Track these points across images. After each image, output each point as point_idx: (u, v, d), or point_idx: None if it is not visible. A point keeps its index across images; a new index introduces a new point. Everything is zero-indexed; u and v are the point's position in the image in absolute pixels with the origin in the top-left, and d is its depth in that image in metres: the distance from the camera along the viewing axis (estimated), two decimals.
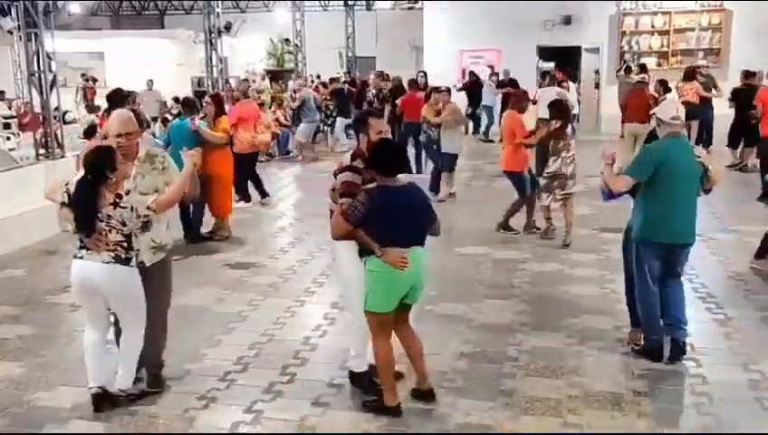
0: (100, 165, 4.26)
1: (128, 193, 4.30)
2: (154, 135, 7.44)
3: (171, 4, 31.61)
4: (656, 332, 5.08)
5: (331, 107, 16.03)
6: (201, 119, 8.46)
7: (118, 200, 4.27)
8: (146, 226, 4.43)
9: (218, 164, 8.39)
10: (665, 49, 17.65)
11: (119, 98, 8.30)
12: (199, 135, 8.11)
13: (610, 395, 4.59)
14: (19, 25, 10.89)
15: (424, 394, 4.52)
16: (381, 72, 18.77)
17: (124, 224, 4.29)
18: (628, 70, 15.70)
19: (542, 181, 8.29)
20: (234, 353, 5.33)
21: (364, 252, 4.30)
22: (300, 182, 13.01)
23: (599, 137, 16.99)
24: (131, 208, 4.29)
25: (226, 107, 10.92)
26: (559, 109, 8.28)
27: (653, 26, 17.77)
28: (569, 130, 8.18)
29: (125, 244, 4.34)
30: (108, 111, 7.74)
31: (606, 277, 6.89)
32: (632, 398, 4.56)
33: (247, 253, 8.12)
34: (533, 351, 5.28)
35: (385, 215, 4.17)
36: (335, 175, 4.58)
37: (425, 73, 14.41)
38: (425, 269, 4.37)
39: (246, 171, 10.42)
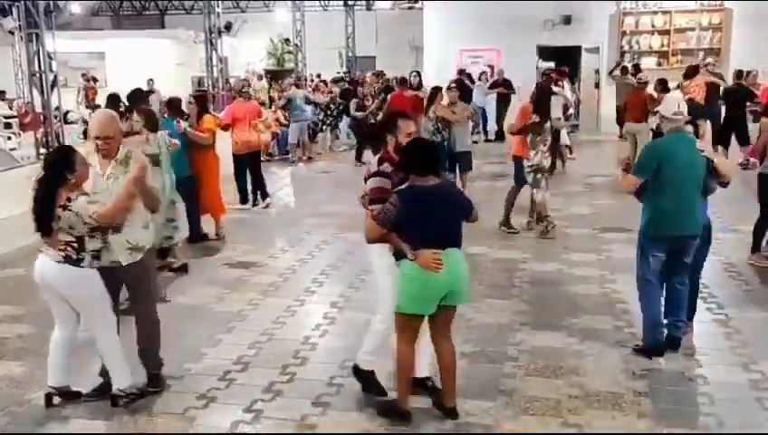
0: (60, 165, 4.19)
1: (77, 198, 4.18)
2: (171, 135, 7.45)
3: (172, 4, 31.66)
4: (656, 327, 5.09)
5: (333, 106, 16.02)
6: (185, 119, 8.50)
7: (67, 203, 4.16)
8: (102, 229, 4.29)
9: (203, 165, 8.43)
10: (665, 49, 17.63)
11: (137, 97, 8.42)
12: (186, 136, 8.15)
13: (610, 395, 4.59)
14: (20, 25, 10.94)
15: (446, 411, 4.32)
16: (380, 71, 18.72)
17: (72, 227, 4.19)
18: (625, 70, 15.68)
19: (528, 178, 8.41)
20: (234, 353, 5.33)
21: (399, 255, 4.18)
22: (300, 182, 13.01)
23: (599, 137, 17.01)
24: (77, 214, 4.17)
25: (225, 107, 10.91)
26: (537, 103, 8.34)
27: (653, 26, 17.75)
28: (547, 124, 8.31)
29: (75, 244, 4.24)
30: (129, 110, 7.83)
31: (606, 277, 6.89)
32: (632, 398, 4.56)
33: (247, 252, 8.12)
34: (533, 351, 5.28)
35: (418, 216, 4.06)
36: (365, 180, 4.50)
37: (418, 73, 14.43)
38: (463, 270, 4.22)
39: (252, 171, 10.42)
